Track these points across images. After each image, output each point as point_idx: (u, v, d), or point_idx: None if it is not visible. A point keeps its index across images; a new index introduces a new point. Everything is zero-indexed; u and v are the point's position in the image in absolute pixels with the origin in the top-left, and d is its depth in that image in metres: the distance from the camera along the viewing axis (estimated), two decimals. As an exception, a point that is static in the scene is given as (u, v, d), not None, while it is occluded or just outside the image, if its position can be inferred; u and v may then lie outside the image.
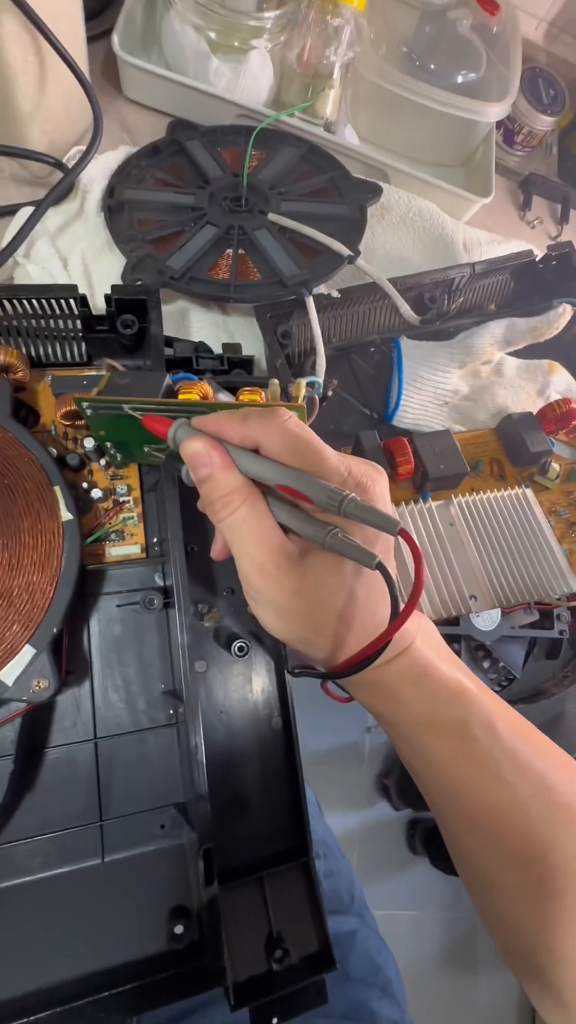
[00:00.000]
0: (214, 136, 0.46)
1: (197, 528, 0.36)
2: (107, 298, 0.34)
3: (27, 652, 0.28)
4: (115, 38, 0.42)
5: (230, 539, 0.24)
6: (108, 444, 0.31)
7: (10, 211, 0.39)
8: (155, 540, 0.35)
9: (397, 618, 0.22)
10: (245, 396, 0.32)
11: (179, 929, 0.28)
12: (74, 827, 0.30)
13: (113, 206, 0.41)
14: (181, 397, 0.29)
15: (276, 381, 0.31)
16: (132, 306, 0.34)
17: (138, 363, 0.35)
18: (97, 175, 0.42)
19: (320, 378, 0.37)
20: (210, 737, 0.33)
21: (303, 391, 0.32)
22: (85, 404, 0.27)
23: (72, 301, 0.33)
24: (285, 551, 0.23)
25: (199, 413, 0.27)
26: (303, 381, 0.31)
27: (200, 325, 0.42)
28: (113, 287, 0.34)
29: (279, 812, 0.34)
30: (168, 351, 0.35)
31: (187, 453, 0.24)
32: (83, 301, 0.33)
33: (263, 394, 0.32)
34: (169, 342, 0.35)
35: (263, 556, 0.23)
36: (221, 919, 0.28)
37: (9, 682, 0.27)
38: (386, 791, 1.12)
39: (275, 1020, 0.28)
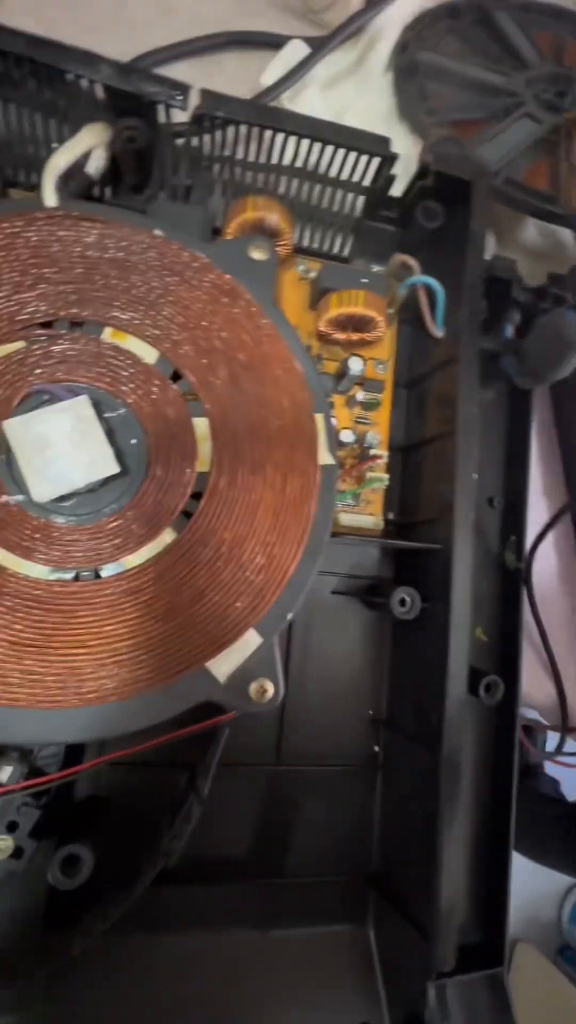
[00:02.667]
0: (528, 12, 0.35)
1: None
2: (423, 168, 0.23)
3: (251, 640, 0.19)
4: None
5: None
6: None
7: (277, 42, 0.29)
8: (390, 516, 0.26)
9: None
10: None
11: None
12: (235, 880, 0.22)
13: (403, 67, 0.30)
14: None
15: None
16: (449, 190, 0.24)
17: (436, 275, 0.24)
18: (388, 25, 0.31)
19: None
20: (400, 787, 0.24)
21: None
22: None
23: (374, 161, 0.23)
24: None
25: None
26: None
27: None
28: (434, 154, 0.23)
29: (470, 891, 0.25)
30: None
31: None
32: (389, 163, 0.23)
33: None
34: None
35: None
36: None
37: (222, 678, 0.18)
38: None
39: None
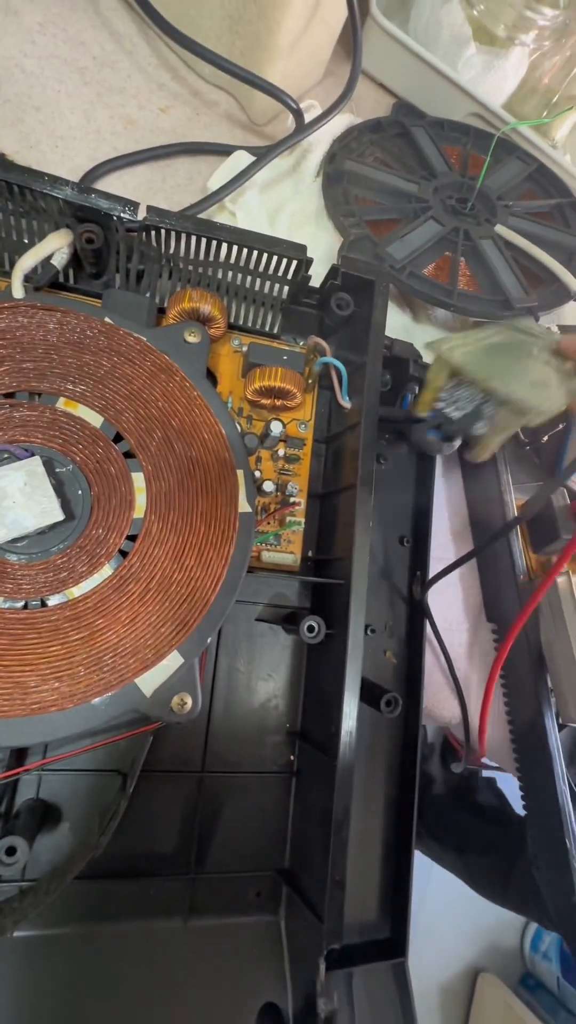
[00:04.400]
0: (440, 129, 0.41)
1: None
2: (333, 269, 0.29)
3: (173, 660, 0.23)
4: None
5: None
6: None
7: (224, 151, 0.35)
8: (309, 554, 0.30)
9: None
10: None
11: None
12: (162, 875, 0.25)
13: (332, 174, 0.36)
14: None
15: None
16: (356, 286, 0.29)
17: (346, 355, 0.29)
18: (318, 137, 0.37)
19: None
20: (318, 800, 0.27)
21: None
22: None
23: (294, 263, 0.28)
24: None
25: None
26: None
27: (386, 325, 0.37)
28: (343, 259, 0.28)
29: (376, 889, 0.28)
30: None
31: None
32: (308, 265, 0.28)
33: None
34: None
35: None
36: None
37: (148, 692, 0.22)
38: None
39: None
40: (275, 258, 0.28)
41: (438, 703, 0.34)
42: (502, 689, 0.33)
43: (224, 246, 0.27)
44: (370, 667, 0.31)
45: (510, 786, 0.41)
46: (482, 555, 0.34)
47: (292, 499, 0.29)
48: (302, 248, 0.28)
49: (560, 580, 0.30)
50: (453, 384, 0.26)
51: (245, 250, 0.27)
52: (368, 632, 0.31)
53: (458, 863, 0.46)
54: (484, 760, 0.35)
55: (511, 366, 0.26)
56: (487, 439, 0.26)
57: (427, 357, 0.31)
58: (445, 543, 0.36)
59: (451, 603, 0.35)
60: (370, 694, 0.28)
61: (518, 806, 0.34)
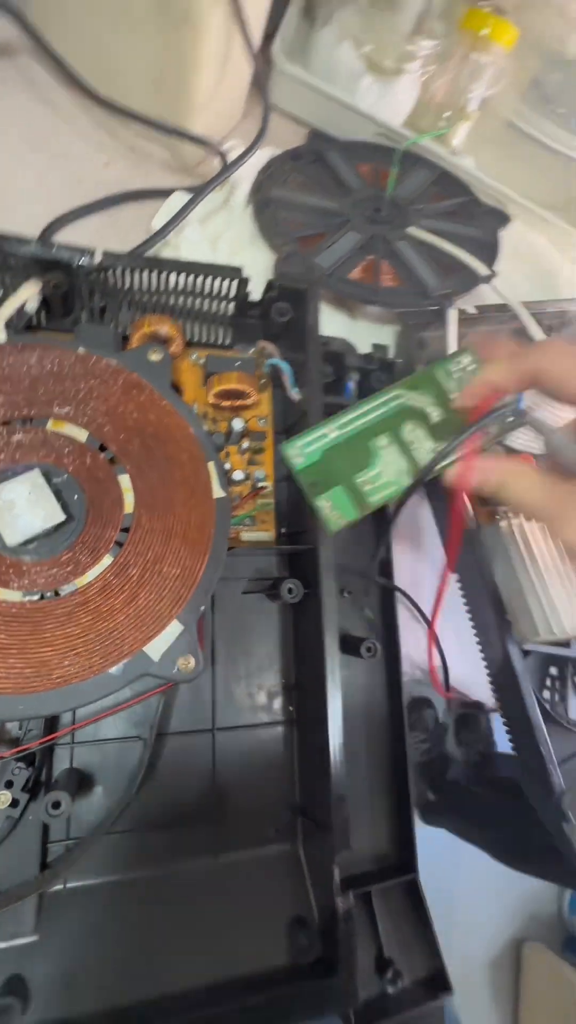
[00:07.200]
0: (351, 150, 0.46)
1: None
2: (269, 284, 0.33)
3: (174, 628, 0.26)
4: (276, 45, 0.43)
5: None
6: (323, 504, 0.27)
7: (163, 194, 0.39)
8: (283, 530, 0.34)
9: None
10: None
11: (302, 942, 0.26)
12: (190, 823, 0.28)
13: (260, 202, 0.40)
14: None
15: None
16: (291, 295, 0.33)
17: (291, 355, 0.34)
18: (246, 172, 0.42)
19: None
20: (319, 742, 0.31)
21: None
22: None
23: (234, 282, 0.33)
24: None
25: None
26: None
27: (325, 324, 0.41)
28: (278, 274, 0.33)
29: (384, 824, 0.32)
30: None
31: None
32: (244, 283, 0.33)
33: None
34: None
35: None
36: (352, 934, 0.25)
37: (156, 657, 0.25)
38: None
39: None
40: (216, 280, 0.32)
41: (421, 652, 0.38)
42: (473, 632, 0.37)
43: (172, 276, 0.32)
44: (353, 625, 0.35)
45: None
46: (439, 513, 0.39)
47: (260, 484, 0.33)
48: (238, 269, 0.32)
49: (503, 524, 0.35)
50: None
51: (190, 276, 0.32)
52: (345, 594, 0.35)
53: (482, 838, 0.48)
54: (461, 692, 0.39)
55: (359, 460, 0.27)
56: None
57: (365, 347, 0.36)
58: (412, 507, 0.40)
59: (418, 558, 0.39)
60: (351, 645, 0.32)
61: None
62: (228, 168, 0.40)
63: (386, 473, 0.28)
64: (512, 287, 0.49)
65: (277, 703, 0.31)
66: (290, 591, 0.30)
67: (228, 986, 0.25)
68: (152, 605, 0.26)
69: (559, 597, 0.31)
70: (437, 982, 0.27)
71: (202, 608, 0.27)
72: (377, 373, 0.36)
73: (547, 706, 0.35)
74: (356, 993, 0.25)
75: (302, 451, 0.27)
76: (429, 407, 0.29)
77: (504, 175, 0.53)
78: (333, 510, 0.28)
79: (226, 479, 0.30)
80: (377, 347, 0.35)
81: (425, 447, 0.29)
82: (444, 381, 0.30)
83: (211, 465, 0.29)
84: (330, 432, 0.28)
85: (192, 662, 0.26)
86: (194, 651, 0.26)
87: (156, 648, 0.26)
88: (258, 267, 0.39)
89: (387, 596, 0.35)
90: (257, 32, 0.38)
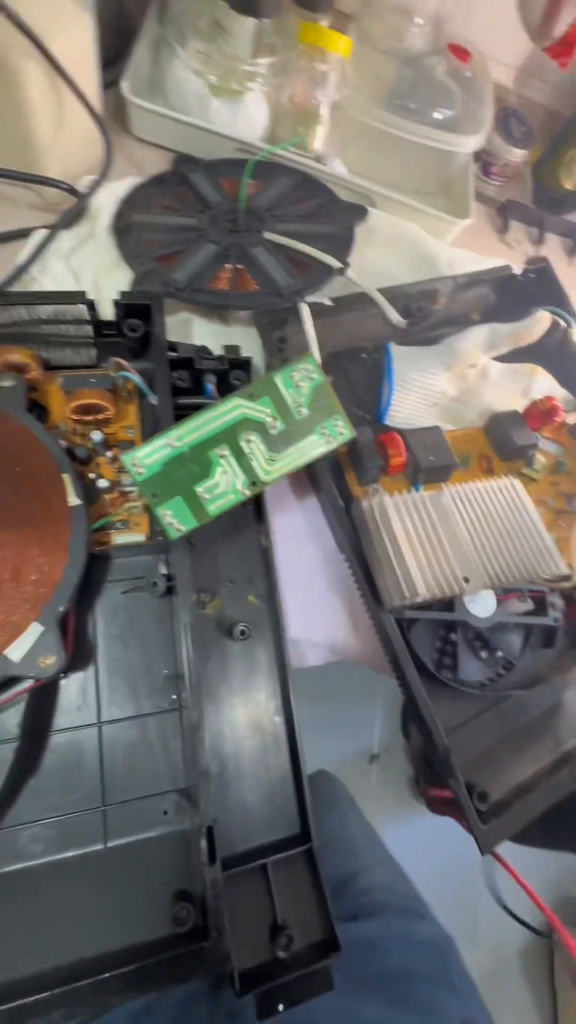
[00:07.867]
0: (215, 168, 0.49)
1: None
2: (115, 303, 0.35)
3: (34, 629, 0.28)
4: (124, 84, 0.46)
5: None
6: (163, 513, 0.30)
7: (26, 234, 0.42)
8: (158, 531, 0.35)
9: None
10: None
11: (182, 912, 0.27)
12: (77, 812, 0.29)
13: (121, 228, 0.43)
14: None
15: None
16: (138, 311, 0.36)
17: (144, 365, 0.36)
18: (107, 202, 0.44)
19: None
20: (211, 724, 0.33)
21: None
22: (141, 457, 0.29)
23: (82, 306, 0.35)
24: None
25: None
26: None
27: (202, 334, 0.43)
28: (121, 293, 0.35)
29: (281, 800, 0.33)
30: (171, 354, 0.36)
31: None
32: (91, 305, 0.35)
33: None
34: (173, 346, 0.36)
35: None
36: (224, 899, 0.27)
37: (16, 659, 0.27)
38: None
39: (280, 1007, 0.26)
40: (65, 306, 0.35)
41: (321, 630, 0.40)
42: (363, 605, 0.39)
43: (20, 308, 0.34)
44: (240, 613, 0.36)
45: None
46: (323, 499, 0.40)
47: (127, 489, 0.35)
48: (81, 293, 0.34)
49: (364, 503, 0.36)
50: None
51: (37, 306, 0.34)
52: (229, 584, 0.37)
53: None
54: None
55: (198, 470, 0.30)
56: None
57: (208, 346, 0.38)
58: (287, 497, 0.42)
59: (304, 543, 0.40)
60: (225, 629, 0.34)
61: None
62: (81, 199, 0.42)
63: (223, 483, 0.30)
64: (391, 275, 0.52)
65: (163, 692, 0.33)
66: (154, 585, 0.32)
67: (109, 958, 0.26)
68: (10, 611, 0.28)
69: (412, 564, 0.33)
70: (326, 945, 0.29)
71: (62, 608, 0.29)
72: (237, 371, 0.38)
73: (432, 668, 0.37)
74: (231, 957, 0.26)
75: (142, 462, 0.29)
76: (268, 417, 0.31)
77: (374, 171, 0.56)
78: (172, 519, 0.30)
79: (83, 488, 0.32)
80: (228, 347, 0.37)
81: (262, 457, 0.31)
82: (284, 388, 0.32)
83: (66, 476, 0.31)
84: (171, 442, 0.30)
85: (52, 660, 0.28)
86: (53, 649, 0.28)
87: (17, 650, 0.27)
88: (122, 290, 0.41)
89: (270, 580, 0.37)
90: (89, 76, 0.40)
